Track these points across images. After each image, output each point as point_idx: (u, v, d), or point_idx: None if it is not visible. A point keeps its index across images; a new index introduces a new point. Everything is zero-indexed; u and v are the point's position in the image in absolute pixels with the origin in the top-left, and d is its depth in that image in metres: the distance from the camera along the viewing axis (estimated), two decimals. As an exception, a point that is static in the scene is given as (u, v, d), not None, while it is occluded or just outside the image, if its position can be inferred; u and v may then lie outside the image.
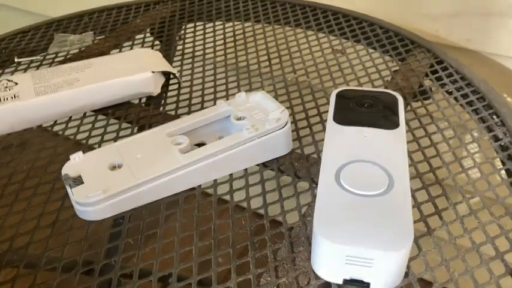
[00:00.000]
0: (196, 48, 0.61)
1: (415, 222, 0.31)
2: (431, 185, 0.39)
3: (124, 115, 0.49)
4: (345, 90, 0.43)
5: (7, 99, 0.46)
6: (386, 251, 0.29)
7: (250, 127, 0.40)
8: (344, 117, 0.39)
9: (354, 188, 0.32)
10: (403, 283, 0.31)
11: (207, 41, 0.62)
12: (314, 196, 0.38)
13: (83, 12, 0.71)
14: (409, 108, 0.47)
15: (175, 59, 0.59)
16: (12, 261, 0.35)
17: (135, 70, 0.50)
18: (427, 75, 0.52)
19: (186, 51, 0.60)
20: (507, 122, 0.44)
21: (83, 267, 0.34)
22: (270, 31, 0.63)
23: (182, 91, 0.53)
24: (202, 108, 0.50)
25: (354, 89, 0.43)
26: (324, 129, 0.45)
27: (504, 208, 0.36)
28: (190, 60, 0.59)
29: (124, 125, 0.48)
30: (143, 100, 0.52)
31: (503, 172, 0.40)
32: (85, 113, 0.49)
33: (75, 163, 0.39)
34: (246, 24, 0.65)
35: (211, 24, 0.66)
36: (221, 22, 0.67)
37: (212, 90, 0.52)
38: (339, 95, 0.42)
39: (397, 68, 0.54)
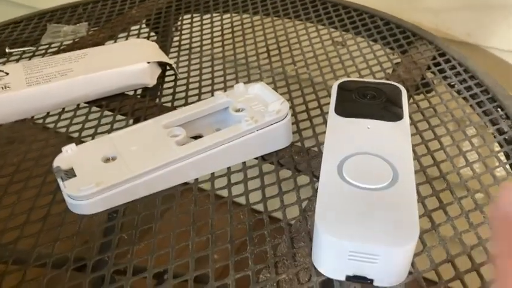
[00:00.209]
0: (193, 40, 0.59)
1: (419, 217, 0.30)
2: (435, 179, 0.37)
3: (119, 107, 0.47)
4: (347, 81, 0.41)
5: (-3, 89, 0.44)
6: (392, 247, 0.27)
7: (249, 119, 0.38)
8: (346, 109, 0.38)
9: (357, 181, 0.31)
10: (407, 280, 0.29)
11: (204, 32, 0.61)
12: (315, 190, 0.37)
13: (77, 3, 0.69)
14: (411, 100, 0.46)
15: (171, 50, 0.58)
16: (0, 257, 0.33)
17: (130, 60, 0.48)
18: (429, 68, 0.51)
19: (183, 42, 0.59)
20: (512, 115, 0.43)
21: (74, 264, 0.33)
22: (269, 23, 0.62)
23: (179, 83, 0.51)
24: (199, 100, 0.48)
25: (356, 80, 0.42)
26: (324, 122, 0.44)
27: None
28: (187, 51, 0.57)
29: (118, 117, 0.46)
30: (138, 92, 0.50)
31: (508, 166, 0.39)
32: (78, 105, 0.48)
33: (68, 155, 0.38)
34: (244, 16, 0.64)
35: (208, 16, 0.65)
36: (219, 13, 0.65)
37: (210, 82, 0.51)
38: (340, 87, 0.41)
39: (398, 60, 0.53)
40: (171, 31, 0.63)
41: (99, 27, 0.63)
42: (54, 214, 0.36)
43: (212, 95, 0.43)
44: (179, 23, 0.64)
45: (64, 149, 0.38)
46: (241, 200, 0.37)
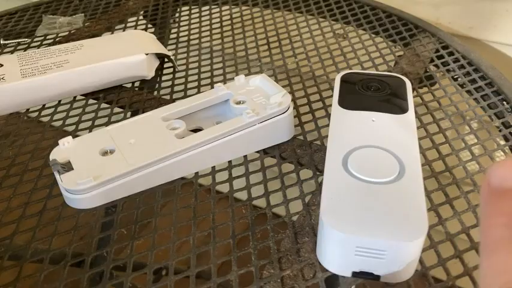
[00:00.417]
0: (192, 32, 0.58)
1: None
2: (440, 173, 0.37)
3: (116, 99, 0.46)
4: (350, 73, 0.41)
5: (-9, 81, 0.43)
6: (400, 242, 0.27)
7: (250, 111, 0.37)
8: (350, 101, 0.37)
9: (363, 174, 0.30)
10: (415, 276, 0.29)
11: (203, 24, 0.60)
12: (318, 184, 0.36)
13: (73, -6, 0.68)
14: (415, 93, 0.45)
15: (169, 42, 0.57)
16: (-5, 253, 0.33)
17: (128, 52, 0.47)
18: (432, 61, 0.50)
19: (181, 35, 0.58)
20: (517, 109, 0.42)
21: (72, 259, 0.32)
22: (269, 15, 0.61)
23: (177, 75, 0.50)
24: (198, 93, 0.47)
25: (359, 72, 0.41)
26: (327, 115, 0.43)
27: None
28: (185, 44, 0.56)
29: (116, 109, 0.45)
30: (136, 84, 0.49)
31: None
32: (75, 97, 0.47)
33: (64, 148, 0.37)
34: (243, 8, 0.63)
35: (207, 7, 0.64)
36: (217, 5, 0.64)
37: (209, 74, 0.50)
38: (343, 79, 0.40)
39: (401, 53, 0.52)
40: (169, 23, 0.62)
41: (96, 18, 0.62)
42: (50, 208, 0.35)
43: (212, 88, 0.42)
44: (177, 15, 0.63)
45: (61, 141, 0.37)
46: (243, 194, 0.36)
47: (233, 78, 0.42)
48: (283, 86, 0.47)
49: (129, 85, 0.49)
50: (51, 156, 0.36)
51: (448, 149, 0.39)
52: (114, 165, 0.35)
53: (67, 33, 0.59)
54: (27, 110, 0.46)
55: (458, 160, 0.38)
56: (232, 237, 0.32)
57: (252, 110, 0.38)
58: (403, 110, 0.36)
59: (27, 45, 0.57)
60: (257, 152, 0.39)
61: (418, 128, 0.41)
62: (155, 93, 0.48)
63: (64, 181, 0.34)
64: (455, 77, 0.48)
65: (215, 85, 0.41)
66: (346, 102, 0.37)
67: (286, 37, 0.56)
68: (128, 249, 0.32)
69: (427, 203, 0.31)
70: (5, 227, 0.34)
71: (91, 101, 0.47)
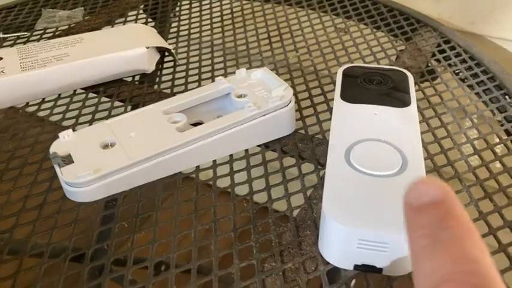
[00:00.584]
0: (192, 26, 0.58)
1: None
2: (442, 167, 0.37)
3: (116, 93, 0.46)
4: (352, 67, 0.40)
5: (-9, 74, 0.43)
6: (402, 235, 0.26)
7: (252, 105, 0.37)
8: (352, 95, 0.37)
9: (366, 167, 0.30)
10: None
11: (203, 18, 0.59)
12: (320, 178, 0.36)
13: (73, -12, 0.67)
14: (417, 88, 0.45)
15: (169, 36, 0.57)
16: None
17: (128, 45, 0.47)
18: (434, 55, 0.50)
19: (181, 29, 0.58)
20: (520, 103, 0.42)
21: (72, 253, 0.32)
22: (270, 8, 0.60)
23: (178, 69, 0.50)
24: (199, 87, 0.47)
25: (361, 66, 0.41)
26: (328, 109, 0.43)
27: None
28: (185, 38, 0.56)
29: (116, 103, 0.45)
30: (137, 78, 0.49)
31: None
32: (75, 91, 0.47)
33: (65, 141, 0.36)
34: (244, 1, 0.62)
35: (207, 1, 0.63)
36: (218, -1, 0.64)
37: (210, 68, 0.50)
38: (345, 73, 0.40)
39: (403, 47, 0.52)
40: (169, 17, 0.61)
41: (96, 12, 0.62)
42: (50, 202, 0.35)
43: (213, 82, 0.42)
44: (177, 8, 0.63)
45: (61, 134, 0.37)
46: (245, 187, 0.36)
47: (234, 72, 0.41)
48: (285, 80, 0.47)
49: (130, 79, 0.48)
50: (51, 149, 0.36)
51: (450, 143, 0.39)
52: (115, 158, 0.35)
53: (67, 27, 0.58)
54: (27, 103, 0.45)
55: (460, 154, 0.38)
56: (233, 230, 0.32)
57: (254, 103, 0.38)
58: (405, 103, 0.36)
59: (26, 39, 0.56)
60: (258, 145, 0.39)
61: (420, 122, 0.41)
62: (156, 87, 0.48)
63: (64, 174, 0.34)
64: (457, 71, 0.48)
65: (216, 78, 0.41)
66: (348, 96, 0.37)
67: (287, 31, 0.55)
68: (128, 243, 0.32)
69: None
70: (5, 221, 0.34)
71: (91, 95, 0.46)
